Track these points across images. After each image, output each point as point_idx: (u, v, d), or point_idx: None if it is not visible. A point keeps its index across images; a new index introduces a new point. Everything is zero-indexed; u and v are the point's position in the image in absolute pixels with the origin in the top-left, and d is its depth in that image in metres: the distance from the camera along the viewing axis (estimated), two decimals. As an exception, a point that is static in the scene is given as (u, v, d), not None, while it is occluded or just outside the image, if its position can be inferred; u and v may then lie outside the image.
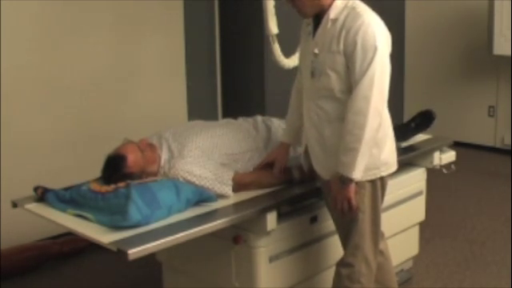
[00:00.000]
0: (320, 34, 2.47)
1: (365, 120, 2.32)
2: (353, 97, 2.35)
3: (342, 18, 2.41)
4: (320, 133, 2.52)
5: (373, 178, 2.50)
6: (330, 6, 2.43)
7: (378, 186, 2.53)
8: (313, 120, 2.54)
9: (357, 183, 2.44)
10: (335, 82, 2.42)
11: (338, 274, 2.59)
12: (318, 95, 2.49)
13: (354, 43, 2.35)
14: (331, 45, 2.41)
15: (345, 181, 2.40)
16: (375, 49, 2.33)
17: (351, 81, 2.38)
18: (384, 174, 2.54)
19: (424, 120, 3.33)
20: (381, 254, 2.72)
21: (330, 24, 2.43)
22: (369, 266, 2.57)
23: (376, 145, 2.44)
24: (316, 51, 2.47)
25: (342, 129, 2.38)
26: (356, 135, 2.34)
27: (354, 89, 2.35)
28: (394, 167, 2.60)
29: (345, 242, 2.59)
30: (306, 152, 2.68)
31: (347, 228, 2.55)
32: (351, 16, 2.39)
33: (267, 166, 2.81)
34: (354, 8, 2.41)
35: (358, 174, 2.38)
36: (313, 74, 2.49)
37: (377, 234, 2.59)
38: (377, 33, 2.36)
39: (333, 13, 2.42)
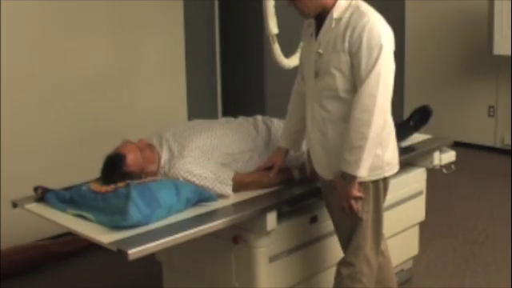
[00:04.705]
0: (323, 33, 2.47)
1: (371, 118, 2.32)
2: (358, 95, 2.35)
3: (346, 17, 2.41)
4: (323, 133, 2.51)
5: (376, 178, 2.50)
6: (332, 5, 2.43)
7: (380, 186, 2.53)
8: (316, 121, 2.54)
9: (360, 184, 2.44)
10: (339, 81, 2.42)
11: (338, 274, 2.59)
12: (322, 95, 2.49)
13: (360, 41, 2.35)
14: (336, 44, 2.41)
15: (349, 179, 2.40)
16: (380, 47, 2.33)
17: (356, 79, 2.37)
18: (387, 174, 2.54)
19: (421, 116, 3.34)
20: (381, 254, 2.72)
21: (333, 23, 2.43)
22: (370, 266, 2.57)
23: (380, 145, 2.44)
24: (320, 51, 2.46)
25: (347, 127, 2.38)
26: (362, 133, 2.33)
27: (360, 87, 2.35)
28: (397, 168, 2.60)
29: (346, 242, 2.59)
30: (309, 154, 2.68)
31: (350, 228, 2.55)
32: (356, 15, 2.39)
33: (267, 169, 2.81)
34: (357, 7, 2.41)
35: (364, 171, 2.38)
36: (317, 74, 2.49)
37: (379, 234, 2.59)
38: (382, 31, 2.36)
39: (336, 12, 2.42)
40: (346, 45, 2.38)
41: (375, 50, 2.33)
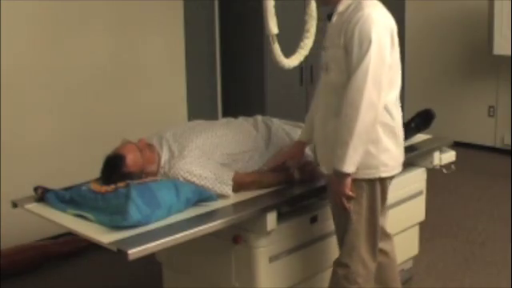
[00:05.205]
0: (329, 27, 2.49)
1: (357, 113, 2.29)
2: (347, 89, 2.33)
3: (348, 11, 2.41)
4: (324, 127, 2.51)
5: (370, 177, 2.46)
6: (339, 0, 2.45)
7: (376, 187, 2.49)
8: (320, 114, 2.54)
9: (354, 182, 2.42)
10: (339, 76, 2.41)
11: (335, 274, 2.58)
12: (326, 89, 2.50)
13: (352, 35, 2.34)
14: (335, 38, 2.42)
15: (339, 175, 2.38)
16: (370, 41, 2.31)
17: (349, 73, 2.36)
18: (383, 175, 2.49)
19: (423, 119, 3.34)
20: (385, 254, 2.71)
21: (336, 17, 2.45)
22: (366, 267, 2.54)
23: (372, 142, 2.40)
24: (326, 45, 2.49)
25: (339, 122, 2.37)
26: (348, 128, 2.31)
27: (349, 81, 2.33)
28: (396, 170, 2.55)
29: (340, 241, 2.58)
30: (315, 148, 2.68)
31: (343, 226, 2.53)
32: (355, 9, 2.39)
33: (281, 165, 2.79)
34: (360, 2, 2.40)
35: (350, 167, 2.34)
36: (323, 68, 2.51)
37: (374, 235, 2.55)
38: (374, 25, 2.33)
39: (341, 6, 2.44)
40: (342, 38, 2.38)
41: (365, 44, 2.31)
